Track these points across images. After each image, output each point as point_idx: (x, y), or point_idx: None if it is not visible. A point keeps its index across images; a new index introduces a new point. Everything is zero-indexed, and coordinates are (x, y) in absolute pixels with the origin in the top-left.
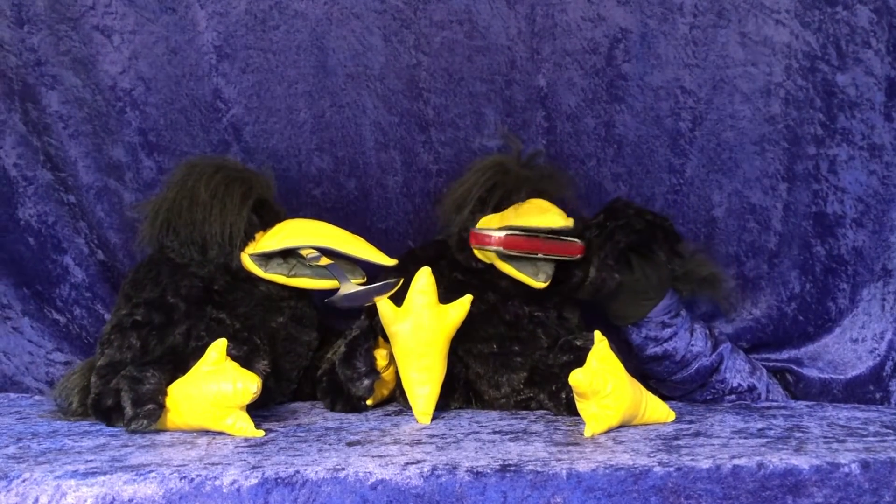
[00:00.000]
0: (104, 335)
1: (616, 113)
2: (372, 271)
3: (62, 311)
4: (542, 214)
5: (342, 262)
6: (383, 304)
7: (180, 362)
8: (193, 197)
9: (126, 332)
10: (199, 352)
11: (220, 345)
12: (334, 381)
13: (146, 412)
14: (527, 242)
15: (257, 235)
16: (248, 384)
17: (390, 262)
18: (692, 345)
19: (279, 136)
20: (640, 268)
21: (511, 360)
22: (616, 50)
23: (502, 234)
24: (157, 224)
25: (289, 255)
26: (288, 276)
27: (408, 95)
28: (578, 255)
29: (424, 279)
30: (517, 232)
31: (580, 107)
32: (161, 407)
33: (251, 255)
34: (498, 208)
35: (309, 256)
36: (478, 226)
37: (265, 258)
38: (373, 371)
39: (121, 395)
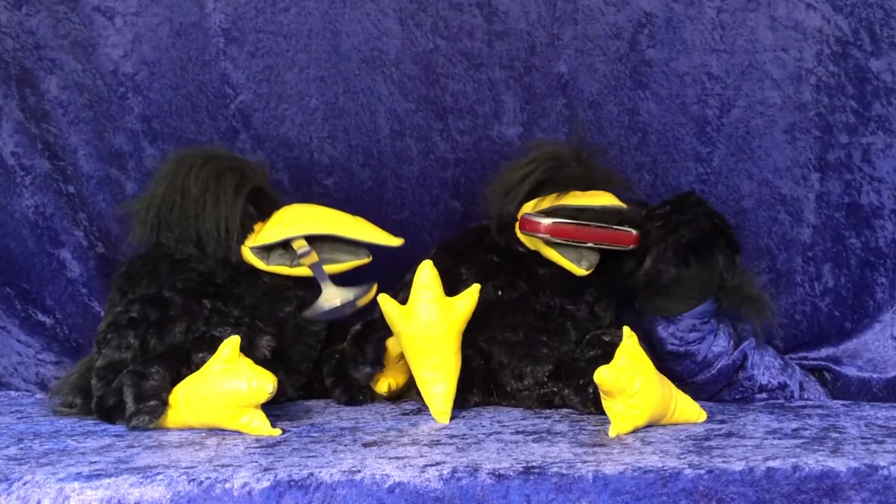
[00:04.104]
0: (100, 334)
1: (640, 100)
2: (377, 253)
3: (53, 310)
4: (592, 196)
5: (343, 246)
6: (387, 304)
7: (183, 357)
8: (184, 192)
9: (123, 331)
10: (199, 343)
11: (232, 342)
12: (343, 364)
13: (148, 408)
14: (575, 230)
15: (256, 227)
16: (264, 383)
17: (396, 241)
18: (714, 345)
19: (290, 123)
20: (695, 266)
21: (537, 351)
22: (640, 35)
23: (549, 221)
24: (149, 222)
25: (290, 245)
26: (291, 266)
27: (424, 81)
28: (631, 246)
29: (427, 273)
30: (566, 221)
31: (602, 94)
32: (164, 405)
33: (252, 249)
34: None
35: (300, 252)
36: (527, 211)
37: (266, 250)
38: (378, 363)
39: (123, 390)
